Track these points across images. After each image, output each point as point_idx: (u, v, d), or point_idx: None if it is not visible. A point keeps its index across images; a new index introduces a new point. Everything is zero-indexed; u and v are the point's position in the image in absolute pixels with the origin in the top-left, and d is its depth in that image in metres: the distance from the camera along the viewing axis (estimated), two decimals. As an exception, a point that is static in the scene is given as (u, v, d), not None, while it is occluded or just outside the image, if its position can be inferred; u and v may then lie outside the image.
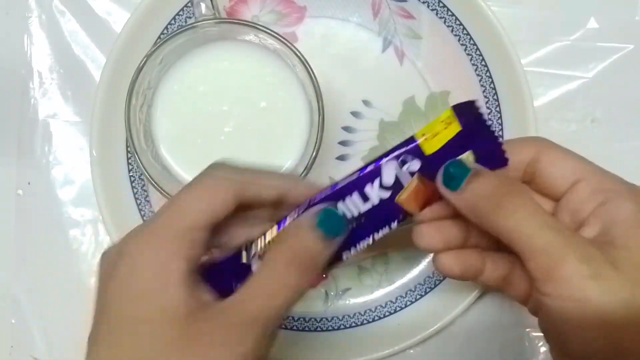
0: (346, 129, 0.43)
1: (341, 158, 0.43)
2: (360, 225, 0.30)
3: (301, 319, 0.43)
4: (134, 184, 0.42)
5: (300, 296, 0.28)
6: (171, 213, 0.28)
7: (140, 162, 0.37)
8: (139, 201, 0.42)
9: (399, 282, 0.43)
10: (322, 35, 0.43)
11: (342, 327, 0.42)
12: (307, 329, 0.43)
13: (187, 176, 0.39)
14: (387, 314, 0.43)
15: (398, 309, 0.43)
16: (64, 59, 0.44)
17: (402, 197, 0.30)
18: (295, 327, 0.43)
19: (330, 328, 0.43)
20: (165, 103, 0.39)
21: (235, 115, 0.39)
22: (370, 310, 0.43)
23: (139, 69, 0.37)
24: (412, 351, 0.42)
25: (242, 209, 0.30)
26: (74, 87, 0.44)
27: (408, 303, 0.42)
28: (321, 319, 0.43)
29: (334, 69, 0.42)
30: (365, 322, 0.43)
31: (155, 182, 0.38)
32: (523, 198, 0.28)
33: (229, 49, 0.39)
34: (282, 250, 0.28)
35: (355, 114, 0.43)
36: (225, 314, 0.27)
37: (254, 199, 0.30)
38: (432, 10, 0.42)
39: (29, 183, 0.44)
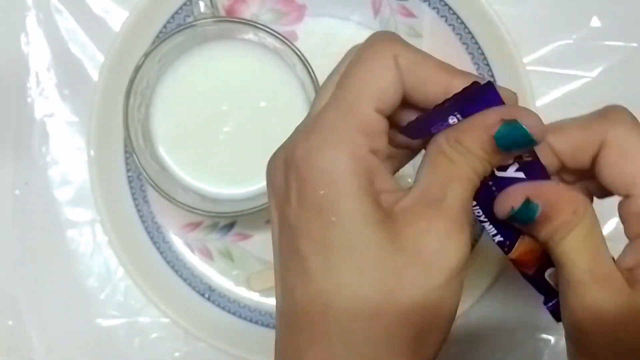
0: (346, 128, 0.43)
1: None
2: None
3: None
4: (132, 184, 0.42)
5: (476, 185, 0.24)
6: (343, 102, 0.24)
7: (139, 162, 0.37)
8: (137, 201, 0.42)
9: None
10: (322, 34, 0.43)
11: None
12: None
13: (186, 176, 0.39)
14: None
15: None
16: (62, 58, 0.43)
17: None
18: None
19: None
20: (163, 103, 0.39)
21: (235, 115, 0.39)
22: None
23: (137, 68, 0.37)
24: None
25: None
26: (72, 86, 0.43)
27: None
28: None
29: (335, 68, 0.42)
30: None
31: (153, 182, 0.37)
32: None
33: (228, 48, 0.39)
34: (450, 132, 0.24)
35: (355, 113, 0.43)
36: (416, 202, 0.24)
37: (418, 89, 0.25)
38: (434, 8, 0.41)
39: (26, 183, 0.43)
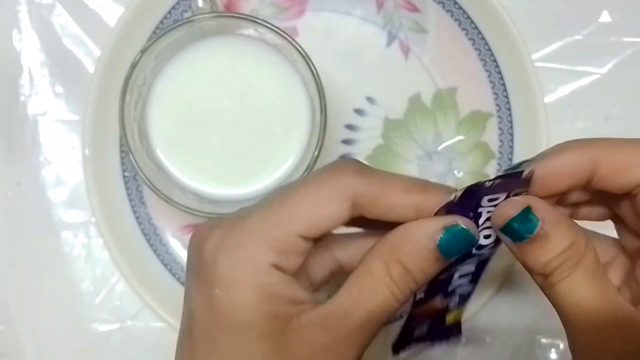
0: (349, 127, 0.42)
1: (344, 157, 0.42)
2: None
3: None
4: (128, 185, 0.42)
5: (394, 308, 0.26)
6: (270, 216, 0.26)
7: (135, 161, 0.37)
8: (133, 203, 0.42)
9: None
10: (324, 30, 0.42)
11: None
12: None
13: (184, 176, 0.39)
14: (393, 319, 0.41)
15: (404, 313, 0.42)
16: (55, 55, 0.43)
17: None
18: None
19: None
20: (160, 100, 0.38)
21: (234, 113, 0.38)
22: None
23: (134, 65, 0.36)
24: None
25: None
26: (66, 83, 0.43)
27: (414, 308, 0.42)
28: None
29: (337, 65, 0.42)
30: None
31: (150, 182, 0.37)
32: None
33: (227, 44, 0.39)
34: (384, 250, 0.25)
35: (358, 111, 0.42)
36: (319, 320, 0.26)
37: (377, 215, 0.26)
38: (439, 3, 0.41)
39: (18, 184, 0.43)
